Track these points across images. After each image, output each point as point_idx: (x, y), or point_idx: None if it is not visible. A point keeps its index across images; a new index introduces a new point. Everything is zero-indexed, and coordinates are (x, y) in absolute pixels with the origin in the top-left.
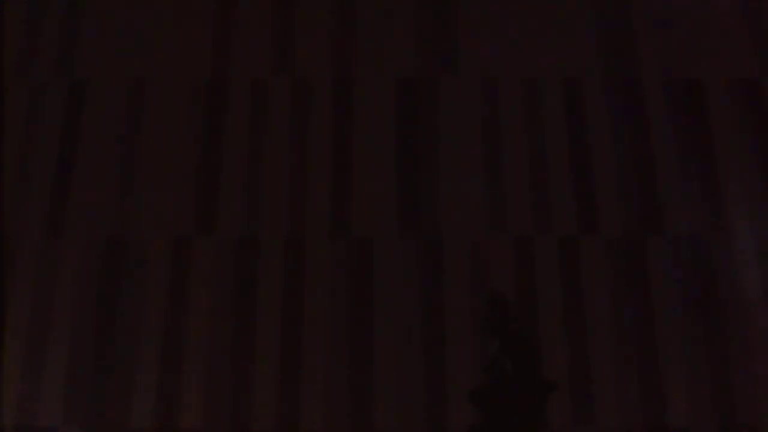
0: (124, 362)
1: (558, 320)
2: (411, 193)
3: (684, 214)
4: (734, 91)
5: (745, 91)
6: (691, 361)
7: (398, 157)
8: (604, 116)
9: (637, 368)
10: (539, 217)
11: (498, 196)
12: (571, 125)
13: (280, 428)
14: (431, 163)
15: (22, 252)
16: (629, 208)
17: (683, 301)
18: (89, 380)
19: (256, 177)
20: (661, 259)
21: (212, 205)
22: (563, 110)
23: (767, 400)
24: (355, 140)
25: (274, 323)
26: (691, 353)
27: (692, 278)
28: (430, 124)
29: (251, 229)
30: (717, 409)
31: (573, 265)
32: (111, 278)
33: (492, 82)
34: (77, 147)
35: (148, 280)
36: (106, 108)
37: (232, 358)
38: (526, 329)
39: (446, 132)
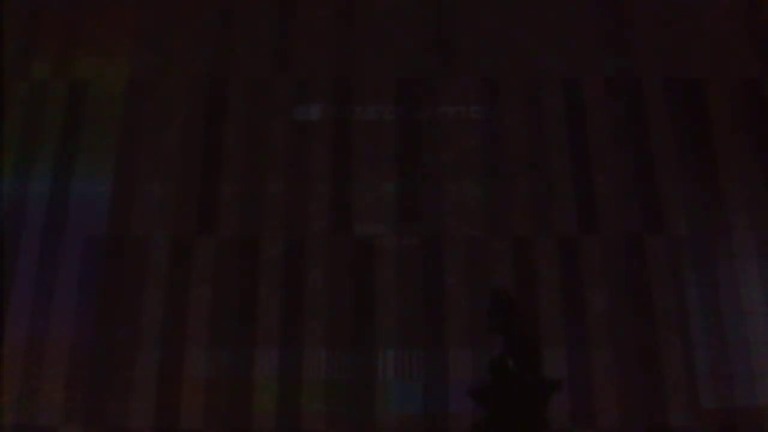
0: (124, 362)
1: (558, 320)
2: (411, 193)
3: (684, 214)
4: (734, 91)
5: (745, 91)
6: (691, 362)
7: (398, 157)
8: (604, 116)
9: (637, 368)
10: (539, 217)
11: (498, 196)
12: (571, 125)
13: (280, 428)
14: (431, 163)
15: (22, 253)
16: (629, 208)
17: (682, 300)
18: (89, 380)
19: (257, 177)
20: (661, 259)
21: (212, 205)
22: (563, 110)
23: (767, 400)
24: (356, 140)
25: (274, 323)
26: (691, 354)
27: (691, 278)
28: (430, 124)
29: (251, 229)
30: (718, 410)
31: (573, 265)
32: (111, 278)
33: (492, 82)
34: (77, 146)
35: (148, 280)
36: (106, 108)
37: (232, 358)
38: (528, 328)
39: (446, 132)
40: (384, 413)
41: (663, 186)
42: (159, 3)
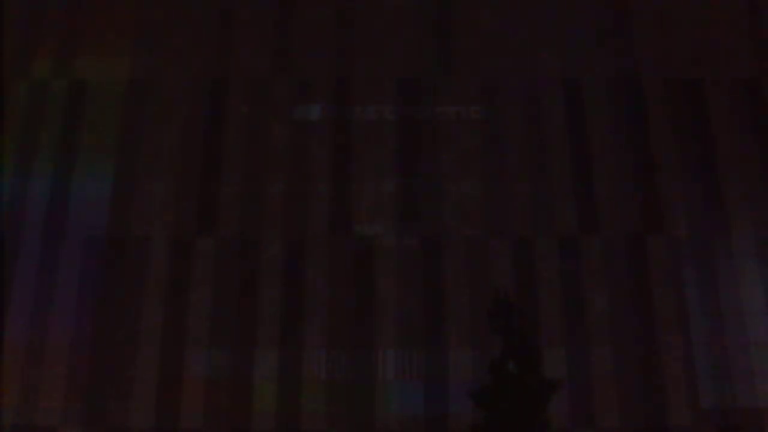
0: (124, 362)
1: (558, 320)
2: (411, 193)
3: (684, 214)
4: (734, 91)
5: (745, 91)
6: (691, 362)
7: (398, 157)
8: (604, 116)
9: (637, 368)
10: (539, 217)
11: (498, 196)
12: (571, 125)
13: (280, 428)
14: (431, 163)
15: (22, 253)
16: (629, 208)
17: (682, 300)
18: (89, 380)
19: (257, 177)
20: (661, 259)
21: (212, 205)
22: (563, 110)
23: (767, 400)
24: (356, 140)
25: (274, 323)
26: (691, 354)
27: (691, 278)
28: (430, 124)
29: (251, 229)
30: (718, 410)
31: (573, 265)
32: (111, 278)
33: (492, 82)
34: (77, 146)
35: (148, 280)
36: (106, 108)
37: (232, 358)
38: (528, 329)
39: (446, 132)
40: (384, 413)
41: (663, 186)
42: (159, 3)
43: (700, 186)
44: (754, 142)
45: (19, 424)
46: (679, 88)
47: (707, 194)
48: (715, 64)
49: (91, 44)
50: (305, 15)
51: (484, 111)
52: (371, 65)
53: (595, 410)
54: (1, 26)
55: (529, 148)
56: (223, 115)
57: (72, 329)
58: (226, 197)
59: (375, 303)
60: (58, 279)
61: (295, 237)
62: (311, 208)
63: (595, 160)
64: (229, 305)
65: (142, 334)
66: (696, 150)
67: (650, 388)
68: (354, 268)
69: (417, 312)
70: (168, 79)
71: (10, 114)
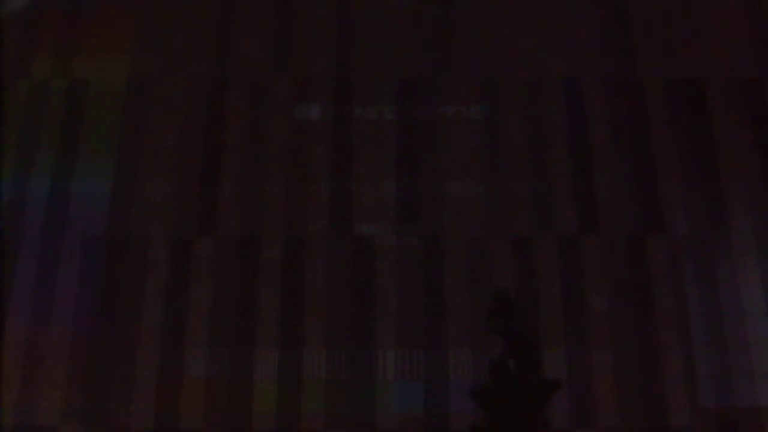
0: (124, 362)
1: (558, 320)
2: (411, 193)
3: (684, 214)
4: (734, 91)
5: (745, 91)
6: (691, 362)
7: (398, 157)
8: (604, 116)
9: (637, 368)
10: (539, 217)
11: (498, 196)
12: (571, 125)
13: (280, 428)
14: (431, 163)
15: (22, 253)
16: (629, 208)
17: (682, 300)
18: (89, 380)
19: (257, 177)
20: (661, 259)
21: (212, 205)
22: (563, 110)
23: (767, 400)
24: (356, 140)
25: (274, 323)
26: (691, 354)
27: (691, 278)
28: (430, 124)
29: (251, 229)
30: (718, 410)
31: (573, 265)
32: (111, 278)
33: (492, 81)
34: (77, 147)
35: (148, 280)
36: (106, 108)
37: (232, 357)
38: (528, 329)
39: (446, 132)
40: (384, 413)
41: (663, 186)
42: (159, 3)
43: (700, 186)
44: (754, 142)
45: (19, 423)
46: (679, 88)
47: (707, 194)
48: (715, 64)
49: (91, 44)
50: (305, 14)
51: (484, 111)
52: (371, 65)
53: (595, 410)
54: (0, 26)
55: (529, 148)
56: (223, 115)
57: (72, 329)
58: (226, 197)
59: (375, 303)
60: (58, 279)
61: (295, 237)
62: (311, 208)
63: (595, 160)
64: (229, 305)
65: (142, 334)
66: (696, 150)
67: (650, 388)
68: (354, 268)
69: (417, 312)
70: (168, 79)
71: (10, 114)
